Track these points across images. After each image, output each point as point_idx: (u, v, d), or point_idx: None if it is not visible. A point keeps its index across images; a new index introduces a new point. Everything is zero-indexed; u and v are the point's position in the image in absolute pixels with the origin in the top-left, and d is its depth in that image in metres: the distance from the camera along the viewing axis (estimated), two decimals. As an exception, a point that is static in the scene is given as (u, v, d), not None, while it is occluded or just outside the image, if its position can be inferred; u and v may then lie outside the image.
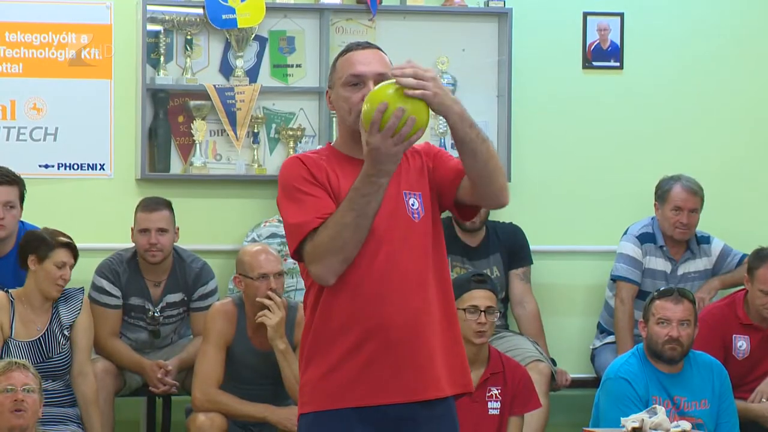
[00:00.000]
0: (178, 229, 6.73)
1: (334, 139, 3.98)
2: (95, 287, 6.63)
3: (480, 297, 5.98)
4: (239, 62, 6.91)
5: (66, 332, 6.36)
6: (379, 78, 3.12)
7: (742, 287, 6.79)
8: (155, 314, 6.80)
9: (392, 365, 3.14)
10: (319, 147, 3.89)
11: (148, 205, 6.63)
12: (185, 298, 6.81)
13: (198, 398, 6.27)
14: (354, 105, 3.13)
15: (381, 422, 3.12)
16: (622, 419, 5.55)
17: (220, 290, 6.93)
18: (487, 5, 7.20)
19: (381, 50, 3.33)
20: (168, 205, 6.74)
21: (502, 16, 7.16)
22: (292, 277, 6.67)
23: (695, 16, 7.54)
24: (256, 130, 7.08)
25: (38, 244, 6.23)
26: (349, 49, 3.29)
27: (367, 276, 3.15)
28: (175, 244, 6.79)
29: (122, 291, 6.74)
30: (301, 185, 3.12)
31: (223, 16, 6.85)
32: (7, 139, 7.00)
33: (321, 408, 3.16)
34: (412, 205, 3.29)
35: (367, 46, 3.34)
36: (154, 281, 6.77)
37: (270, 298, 6.19)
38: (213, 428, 6.15)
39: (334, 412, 3.13)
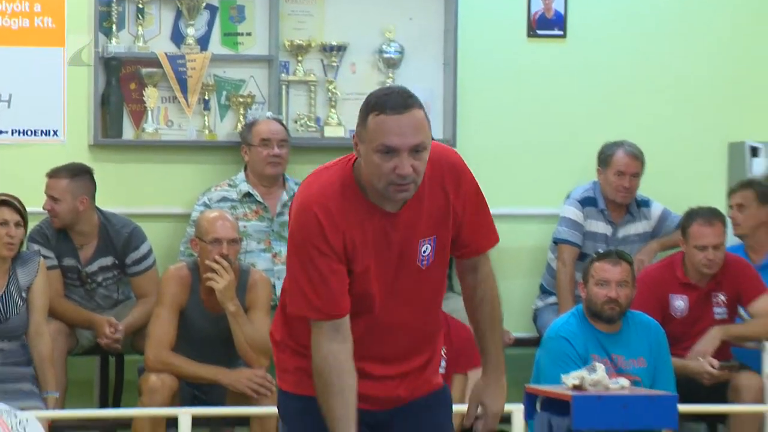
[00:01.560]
0: (85, 199, 6.79)
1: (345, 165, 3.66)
2: (36, 252, 6.87)
3: None
4: (190, 30, 7.01)
5: (24, 294, 6.45)
6: (413, 150, 3.05)
7: (681, 249, 7.03)
8: (87, 273, 6.92)
9: (376, 391, 3.24)
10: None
11: (51, 172, 6.84)
12: (116, 262, 6.92)
13: (150, 359, 6.42)
14: (385, 174, 3.04)
15: (372, 417, 3.22)
16: (563, 376, 5.69)
17: (171, 253, 7.05)
18: (434, -26, 7.23)
19: (417, 106, 3.12)
20: (73, 174, 6.83)
21: (449, -16, 7.36)
22: (244, 240, 6.79)
23: (636, -15, 7.76)
24: (206, 97, 7.15)
25: None
26: (383, 108, 3.09)
27: (366, 320, 3.20)
28: (106, 209, 6.87)
29: (54, 253, 6.89)
30: (315, 259, 3.07)
31: (174, -15, 6.83)
32: (-39, 106, 6.96)
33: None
34: (424, 251, 3.24)
35: (403, 108, 3.10)
36: (80, 244, 6.94)
37: (218, 263, 6.29)
38: (164, 389, 6.28)
39: None
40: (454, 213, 3.16)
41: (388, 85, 3.78)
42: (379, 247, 3.09)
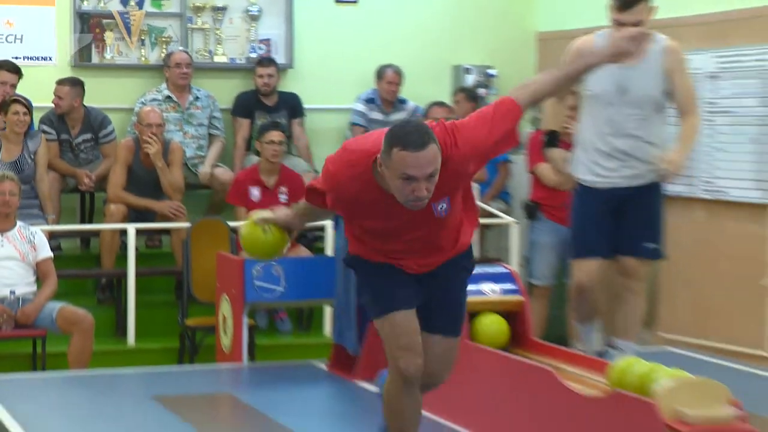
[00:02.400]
0: (78, 99, 8.95)
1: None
2: (41, 130, 8.94)
3: (275, 135, 8.73)
4: (132, -3, 9.44)
5: (32, 156, 8.68)
6: (428, 176, 3.60)
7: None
8: (75, 143, 9.12)
9: (415, 269, 4.07)
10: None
11: (59, 81, 8.89)
12: (93, 137, 9.17)
13: (110, 195, 8.80)
14: (405, 194, 3.61)
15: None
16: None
17: (119, 132, 9.45)
18: None
19: (432, 141, 3.59)
20: (72, 84, 8.99)
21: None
22: (166, 124, 9.19)
23: None
24: (142, 38, 9.90)
25: None
26: (405, 145, 3.54)
27: (393, 243, 3.97)
28: (87, 104, 9.06)
29: (56, 131, 9.08)
30: (313, 192, 4.02)
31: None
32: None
33: (368, 258, 4.07)
34: (440, 208, 3.86)
35: (421, 147, 3.55)
36: (72, 125, 9.08)
37: (150, 137, 8.64)
38: (118, 212, 8.74)
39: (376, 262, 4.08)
40: (466, 175, 3.87)
41: (403, 121, 4.57)
42: (389, 215, 3.81)
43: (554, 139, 7.68)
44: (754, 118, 8.42)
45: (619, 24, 5.75)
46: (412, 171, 3.48)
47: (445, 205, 3.74)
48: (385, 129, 3.70)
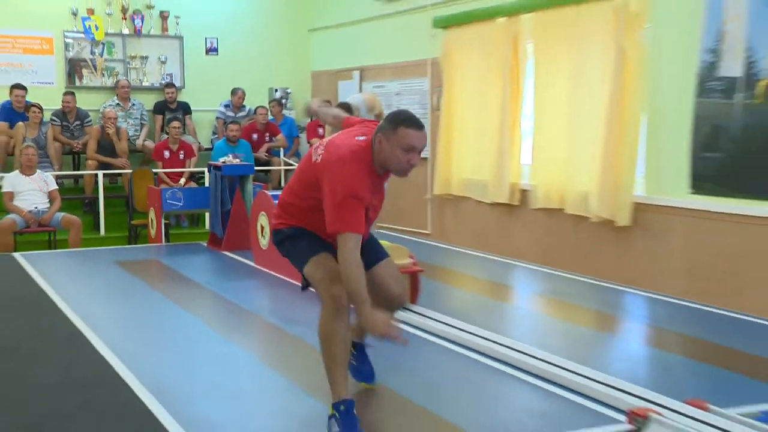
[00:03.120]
0: (74, 103, 9.27)
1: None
2: (50, 120, 9.36)
3: (175, 123, 9.15)
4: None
5: (44, 134, 8.93)
6: (420, 151, 3.19)
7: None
8: (72, 127, 9.29)
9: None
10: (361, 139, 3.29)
11: (66, 91, 9.29)
12: (80, 123, 9.51)
13: (88, 155, 9.04)
14: (402, 162, 3.18)
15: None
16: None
17: (93, 122, 9.64)
18: None
19: (423, 128, 3.21)
20: (73, 95, 9.27)
21: None
22: (121, 118, 9.64)
23: None
24: (103, 72, 10.29)
25: None
26: (410, 125, 3.17)
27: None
28: (78, 106, 9.40)
29: (60, 121, 9.35)
30: (357, 201, 3.11)
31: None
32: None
33: (300, 226, 3.42)
34: (386, 185, 3.43)
35: (420, 128, 3.19)
36: (70, 118, 9.34)
37: (109, 125, 8.96)
38: (93, 164, 8.98)
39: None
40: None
41: (401, 110, 3.30)
42: (375, 191, 3.26)
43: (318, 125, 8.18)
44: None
45: None
46: (414, 143, 3.15)
47: (387, 183, 3.37)
48: (340, 135, 3.32)
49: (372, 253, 3.47)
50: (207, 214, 8.57)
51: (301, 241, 3.35)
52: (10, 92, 9.58)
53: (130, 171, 9.49)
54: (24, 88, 9.54)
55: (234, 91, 10.90)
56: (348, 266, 3.03)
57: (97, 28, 10.35)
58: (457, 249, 8.08)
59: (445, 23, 8.75)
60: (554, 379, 4.03)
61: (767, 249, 5.87)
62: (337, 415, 3.24)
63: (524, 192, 7.95)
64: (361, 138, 3.26)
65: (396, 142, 3.14)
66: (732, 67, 5.94)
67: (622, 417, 3.53)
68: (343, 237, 3.06)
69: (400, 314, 4.71)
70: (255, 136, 10.26)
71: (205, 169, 8.98)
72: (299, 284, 3.60)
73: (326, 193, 3.13)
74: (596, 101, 7.07)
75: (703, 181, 6.27)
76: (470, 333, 4.76)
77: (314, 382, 3.73)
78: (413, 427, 3.49)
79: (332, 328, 3.23)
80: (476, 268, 7.14)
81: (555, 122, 7.55)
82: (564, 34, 7.38)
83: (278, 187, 9.47)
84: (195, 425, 3.42)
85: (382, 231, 8.21)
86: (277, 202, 3.52)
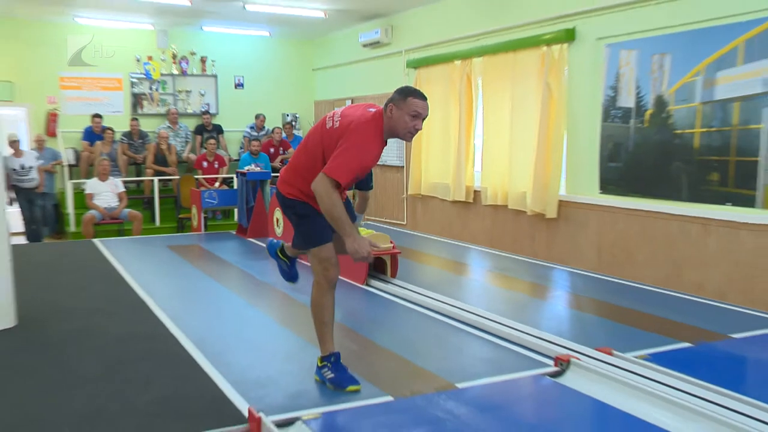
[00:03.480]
0: (138, 126, 9.05)
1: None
2: (120, 139, 9.20)
3: (212, 141, 8.66)
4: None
5: (115, 150, 8.91)
6: (424, 118, 2.92)
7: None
8: (135, 145, 9.23)
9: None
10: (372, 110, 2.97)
11: (133, 118, 9.23)
12: (142, 141, 9.28)
13: (147, 165, 8.90)
14: (409, 127, 2.90)
15: None
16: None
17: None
18: None
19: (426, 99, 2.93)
20: (137, 120, 9.03)
21: None
22: (171, 137, 9.55)
23: None
24: (158, 103, 10.17)
25: None
26: (416, 96, 2.92)
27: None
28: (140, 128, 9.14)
29: (127, 139, 9.18)
30: (360, 168, 2.79)
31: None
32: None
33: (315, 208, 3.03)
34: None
35: (425, 99, 2.94)
36: (134, 137, 9.09)
37: (163, 141, 8.96)
38: (151, 172, 8.82)
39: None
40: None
41: (409, 86, 2.92)
42: (376, 158, 2.93)
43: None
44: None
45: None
46: (420, 110, 2.91)
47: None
48: (352, 107, 3.01)
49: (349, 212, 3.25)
50: (236, 210, 8.55)
51: (314, 225, 3.07)
52: (91, 119, 9.71)
53: (178, 177, 9.58)
54: (100, 116, 9.72)
55: (257, 116, 10.82)
56: (331, 196, 2.80)
57: (154, 70, 10.40)
58: (426, 236, 7.98)
59: (416, 64, 8.77)
60: (499, 334, 4.02)
61: (653, 234, 5.92)
62: (328, 364, 3.16)
63: (477, 192, 7.89)
64: (372, 110, 3.02)
65: (405, 109, 2.93)
66: (627, 99, 6.09)
67: (550, 361, 3.53)
68: (329, 178, 2.81)
69: (384, 285, 4.91)
70: (272, 150, 10.08)
71: (234, 176, 8.78)
72: (293, 246, 3.39)
73: (340, 147, 2.84)
74: (530, 123, 7.05)
75: (608, 184, 6.35)
76: (436, 300, 4.75)
77: (315, 336, 3.53)
78: (392, 371, 3.44)
79: (324, 301, 3.10)
80: (441, 250, 7.02)
81: (499, 139, 7.52)
82: (505, 73, 7.38)
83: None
84: (226, 368, 3.42)
85: (368, 222, 8.35)
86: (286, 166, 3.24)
